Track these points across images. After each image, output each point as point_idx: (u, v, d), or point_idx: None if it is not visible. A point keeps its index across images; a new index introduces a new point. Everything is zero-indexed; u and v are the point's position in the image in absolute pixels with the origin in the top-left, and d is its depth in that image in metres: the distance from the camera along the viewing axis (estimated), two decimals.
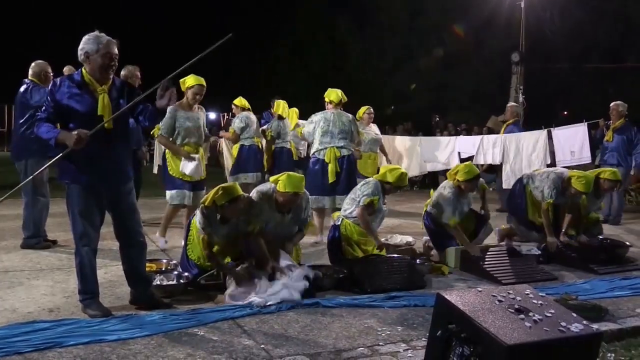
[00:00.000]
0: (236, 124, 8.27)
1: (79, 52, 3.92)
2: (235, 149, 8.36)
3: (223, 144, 9.24)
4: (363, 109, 9.13)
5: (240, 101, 8.51)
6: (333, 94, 7.03)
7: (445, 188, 5.95)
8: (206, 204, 4.60)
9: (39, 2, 27.91)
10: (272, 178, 5.12)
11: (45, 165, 3.91)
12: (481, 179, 6.24)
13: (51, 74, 6.10)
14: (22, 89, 6.01)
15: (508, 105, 10.80)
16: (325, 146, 6.79)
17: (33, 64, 6.11)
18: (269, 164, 8.34)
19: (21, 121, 5.96)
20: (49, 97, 3.93)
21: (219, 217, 4.67)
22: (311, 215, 5.60)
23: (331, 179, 6.68)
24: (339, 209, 5.96)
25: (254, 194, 5.01)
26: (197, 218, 4.71)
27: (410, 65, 23.06)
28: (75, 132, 3.75)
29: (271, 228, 4.96)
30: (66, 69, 6.49)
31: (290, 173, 5.03)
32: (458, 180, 5.85)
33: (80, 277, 4.03)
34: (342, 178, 6.76)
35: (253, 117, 8.46)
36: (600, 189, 6.40)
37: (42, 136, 3.87)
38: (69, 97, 3.88)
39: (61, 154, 3.84)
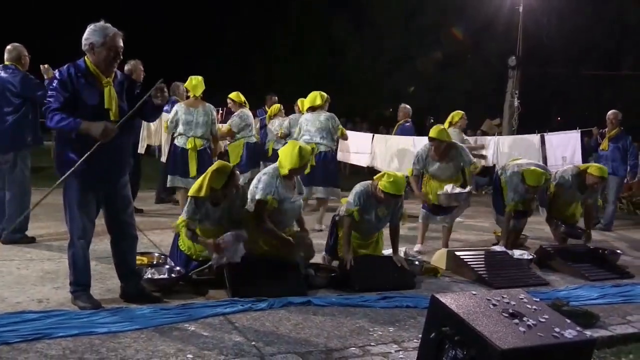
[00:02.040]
0: (235, 121, 8.23)
1: (84, 42, 3.83)
2: (236, 147, 8.35)
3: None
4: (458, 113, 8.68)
5: (237, 96, 8.47)
6: (309, 102, 7.63)
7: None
8: (202, 194, 4.55)
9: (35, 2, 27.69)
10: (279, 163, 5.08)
11: (79, 162, 3.69)
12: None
13: (28, 57, 5.83)
14: (3, 73, 5.66)
15: (400, 105, 10.78)
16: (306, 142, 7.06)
17: (10, 47, 5.75)
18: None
19: (8, 109, 5.61)
20: (59, 86, 3.76)
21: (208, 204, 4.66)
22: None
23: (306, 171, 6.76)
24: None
25: (261, 176, 4.99)
26: (187, 209, 4.66)
27: (407, 66, 23.05)
28: (102, 123, 3.69)
29: (284, 205, 4.97)
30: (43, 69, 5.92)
31: (294, 143, 5.16)
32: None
33: (74, 269, 3.99)
34: (318, 171, 7.31)
35: (250, 114, 8.49)
36: (585, 183, 6.53)
37: (59, 126, 3.71)
38: (79, 88, 3.80)
39: (91, 151, 3.69)
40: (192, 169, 7.20)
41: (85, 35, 3.84)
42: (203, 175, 4.63)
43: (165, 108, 5.94)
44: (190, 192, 4.67)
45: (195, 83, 7.36)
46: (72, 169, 3.73)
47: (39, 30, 25.30)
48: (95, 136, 3.68)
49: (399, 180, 5.05)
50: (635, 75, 17.31)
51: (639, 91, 17.48)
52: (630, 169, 9.04)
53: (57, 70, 3.90)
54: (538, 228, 7.85)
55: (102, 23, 3.88)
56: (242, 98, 8.47)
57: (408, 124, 10.44)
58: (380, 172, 5.48)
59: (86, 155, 3.70)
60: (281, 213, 4.97)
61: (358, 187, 5.28)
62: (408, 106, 10.62)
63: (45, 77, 5.81)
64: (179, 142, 7.35)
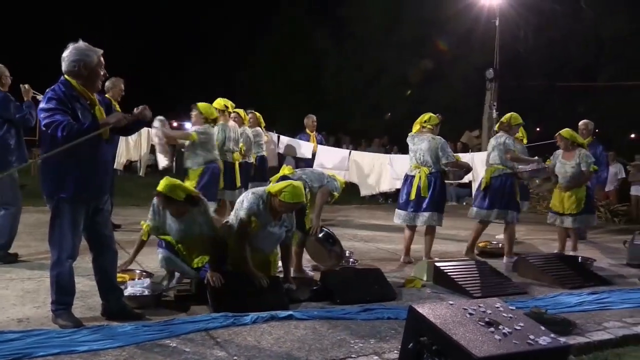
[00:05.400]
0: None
1: (73, 64, 3.83)
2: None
3: None
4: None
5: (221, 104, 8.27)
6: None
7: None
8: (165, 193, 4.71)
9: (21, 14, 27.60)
10: (272, 188, 4.94)
11: (80, 139, 3.68)
12: None
13: (9, 78, 5.81)
14: None
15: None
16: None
17: None
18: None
19: None
20: (59, 105, 3.73)
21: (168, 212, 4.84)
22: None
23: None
24: None
25: (250, 196, 4.94)
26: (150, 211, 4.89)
27: (387, 79, 23.28)
28: (116, 113, 3.85)
29: (264, 231, 4.94)
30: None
31: (295, 183, 4.95)
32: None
33: (57, 288, 3.97)
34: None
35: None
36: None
37: (80, 132, 3.66)
38: (73, 107, 3.80)
39: (100, 130, 3.75)
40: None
41: (73, 57, 3.84)
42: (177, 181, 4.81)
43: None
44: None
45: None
46: (63, 147, 3.65)
47: (21, 46, 25.19)
48: (111, 122, 3.78)
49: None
50: (610, 88, 17.68)
51: (613, 103, 17.85)
52: (597, 179, 9.09)
53: (48, 91, 3.85)
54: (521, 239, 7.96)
55: (83, 43, 3.92)
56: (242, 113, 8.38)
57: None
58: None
59: (88, 136, 3.67)
60: (258, 239, 4.95)
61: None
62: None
63: (25, 98, 5.82)
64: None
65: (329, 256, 5.91)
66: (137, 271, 5.25)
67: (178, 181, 4.92)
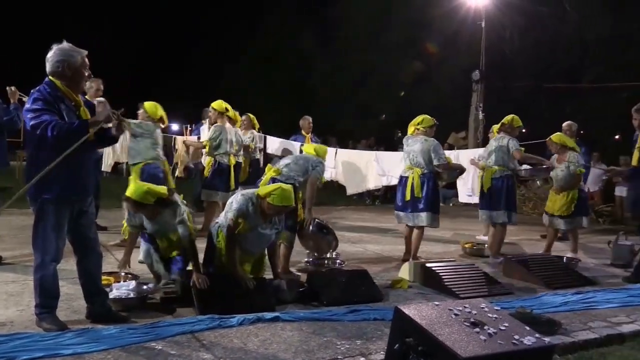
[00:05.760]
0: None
1: (57, 64, 3.81)
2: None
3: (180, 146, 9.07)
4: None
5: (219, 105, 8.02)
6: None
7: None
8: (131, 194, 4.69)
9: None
10: (261, 191, 4.93)
11: (72, 147, 3.59)
12: None
13: None
14: None
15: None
16: None
17: None
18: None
19: None
20: (46, 106, 3.69)
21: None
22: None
23: None
24: None
25: (240, 197, 4.92)
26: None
27: (374, 80, 23.34)
28: (104, 111, 3.83)
29: (254, 233, 4.92)
30: None
31: (284, 186, 4.93)
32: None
33: (41, 291, 3.93)
34: None
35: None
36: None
37: (69, 131, 3.63)
38: (59, 109, 3.77)
39: (92, 132, 3.69)
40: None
41: (57, 58, 3.82)
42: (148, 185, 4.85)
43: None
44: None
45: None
46: (60, 157, 3.59)
47: (21, 46, 25.03)
48: (99, 120, 3.73)
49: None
50: (595, 89, 17.84)
51: (599, 104, 18.01)
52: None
53: (33, 91, 3.82)
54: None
55: (67, 44, 3.89)
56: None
57: None
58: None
59: (80, 140, 3.63)
60: (248, 240, 4.94)
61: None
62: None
63: (12, 100, 5.78)
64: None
65: (327, 245, 6.10)
66: (122, 274, 5.21)
67: (147, 185, 4.88)
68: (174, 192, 5.02)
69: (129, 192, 4.72)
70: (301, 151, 7.33)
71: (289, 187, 4.96)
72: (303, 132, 10.32)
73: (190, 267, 5.25)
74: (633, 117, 6.13)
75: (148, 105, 7.01)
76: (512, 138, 7.11)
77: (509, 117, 7.26)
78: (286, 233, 5.62)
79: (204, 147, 7.86)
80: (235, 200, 4.92)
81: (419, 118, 6.87)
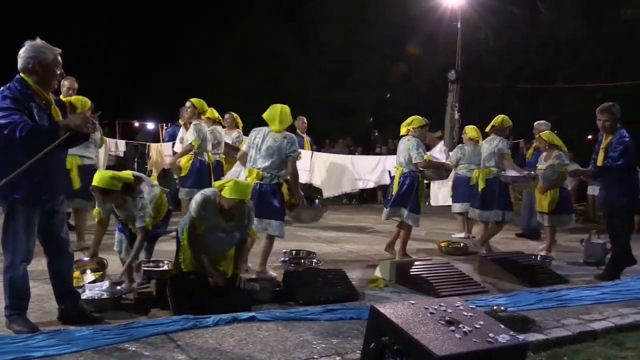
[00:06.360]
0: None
1: (27, 61, 3.73)
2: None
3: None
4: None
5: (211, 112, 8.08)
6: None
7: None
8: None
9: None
10: (216, 183, 4.98)
11: (45, 151, 3.49)
12: None
13: None
14: None
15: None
16: None
17: None
18: None
19: None
20: (14, 104, 3.60)
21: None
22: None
23: None
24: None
25: (198, 196, 4.85)
26: None
27: (351, 80, 23.37)
28: (78, 114, 3.68)
29: (214, 233, 4.85)
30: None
31: (237, 180, 4.97)
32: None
33: (11, 292, 3.85)
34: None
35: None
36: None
37: (38, 133, 3.56)
38: (29, 107, 3.68)
39: (63, 137, 3.59)
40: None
41: (28, 54, 3.75)
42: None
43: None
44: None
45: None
46: (32, 160, 3.53)
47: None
48: (73, 126, 3.61)
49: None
50: (569, 90, 18.10)
51: (571, 105, 18.28)
52: None
53: (3, 89, 3.72)
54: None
55: (40, 41, 3.82)
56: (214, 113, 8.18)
57: None
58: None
59: (58, 141, 3.57)
60: (210, 241, 4.86)
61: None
62: None
63: None
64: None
65: (320, 210, 6.59)
66: (88, 271, 5.10)
67: (112, 172, 4.86)
68: (142, 180, 4.93)
69: (95, 181, 4.65)
70: None
71: (245, 182, 5.01)
72: (299, 132, 10.15)
73: (165, 267, 5.21)
74: (597, 118, 6.23)
75: (76, 99, 6.51)
76: (503, 139, 7.30)
77: (498, 118, 7.40)
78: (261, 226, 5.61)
79: (192, 147, 7.63)
80: (195, 199, 4.85)
81: (409, 119, 6.95)
